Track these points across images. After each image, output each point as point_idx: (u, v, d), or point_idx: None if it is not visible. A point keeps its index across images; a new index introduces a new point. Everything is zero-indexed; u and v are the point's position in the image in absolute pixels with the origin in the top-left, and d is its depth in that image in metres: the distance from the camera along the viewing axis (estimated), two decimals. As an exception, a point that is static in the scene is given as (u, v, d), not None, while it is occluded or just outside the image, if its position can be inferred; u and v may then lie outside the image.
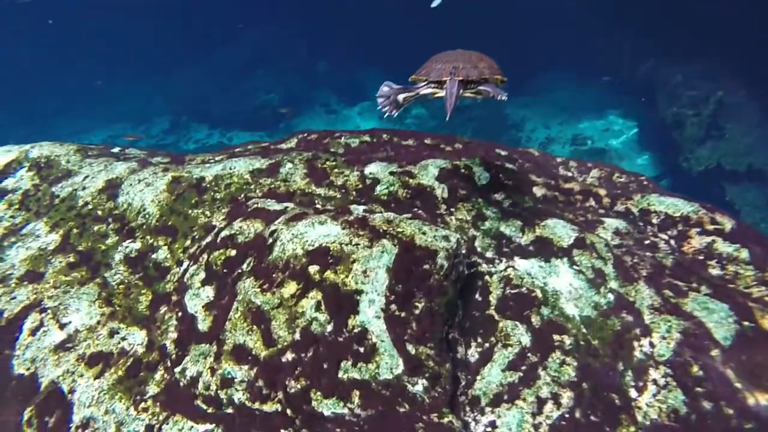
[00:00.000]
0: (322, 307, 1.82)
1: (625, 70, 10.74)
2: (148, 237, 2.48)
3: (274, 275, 1.93)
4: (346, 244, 1.92)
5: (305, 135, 3.15)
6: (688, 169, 8.74)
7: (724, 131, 8.54)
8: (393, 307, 1.82)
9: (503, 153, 2.99)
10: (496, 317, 2.04)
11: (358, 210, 2.14)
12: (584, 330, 2.01)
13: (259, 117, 13.22)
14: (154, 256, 2.41)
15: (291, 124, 13.33)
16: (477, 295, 2.11)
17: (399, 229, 1.97)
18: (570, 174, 3.05)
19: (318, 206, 2.42)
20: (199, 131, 13.80)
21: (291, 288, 1.87)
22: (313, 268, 1.89)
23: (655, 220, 2.61)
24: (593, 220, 2.59)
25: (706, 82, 8.90)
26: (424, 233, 1.96)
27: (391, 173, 2.51)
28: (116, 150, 3.90)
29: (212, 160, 2.95)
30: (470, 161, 2.61)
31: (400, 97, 2.47)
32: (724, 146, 8.50)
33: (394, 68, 14.48)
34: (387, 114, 2.42)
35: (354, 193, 2.48)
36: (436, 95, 2.39)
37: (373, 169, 2.57)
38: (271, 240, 2.06)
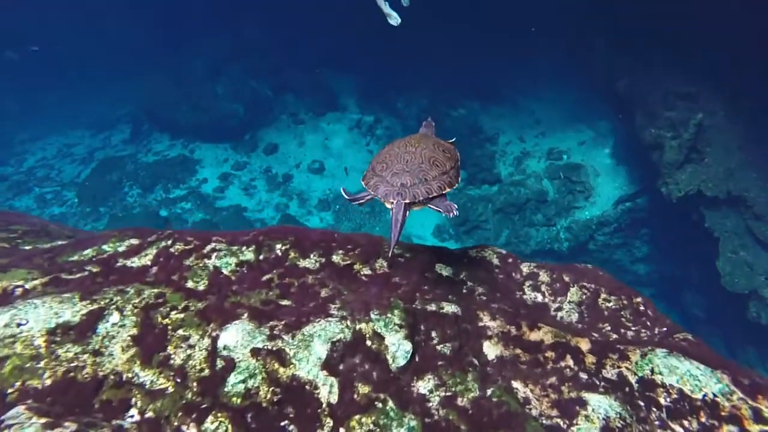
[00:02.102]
0: None
1: (603, 83, 9.78)
2: None
3: None
4: None
5: (169, 243, 2.09)
6: (667, 194, 7.86)
7: (704, 155, 7.65)
8: None
9: (445, 273, 2.00)
10: None
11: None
12: None
13: (223, 127, 12.01)
14: None
15: (257, 136, 12.16)
16: None
17: None
18: (539, 299, 2.07)
19: (132, 417, 1.41)
20: (161, 141, 12.54)
21: None
22: None
23: (663, 400, 1.66)
24: (571, 400, 1.63)
25: (685, 101, 7.98)
26: None
27: (254, 352, 1.50)
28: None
29: (13, 291, 1.89)
30: (384, 321, 1.61)
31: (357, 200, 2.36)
32: (703, 171, 7.61)
33: (368, 74, 13.24)
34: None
35: (195, 386, 1.47)
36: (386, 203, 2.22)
37: (229, 338, 1.55)
38: None
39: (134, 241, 2.33)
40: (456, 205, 2.27)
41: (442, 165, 2.32)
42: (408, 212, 2.19)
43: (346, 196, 2.33)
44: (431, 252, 2.12)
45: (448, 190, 2.26)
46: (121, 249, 2.24)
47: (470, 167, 10.86)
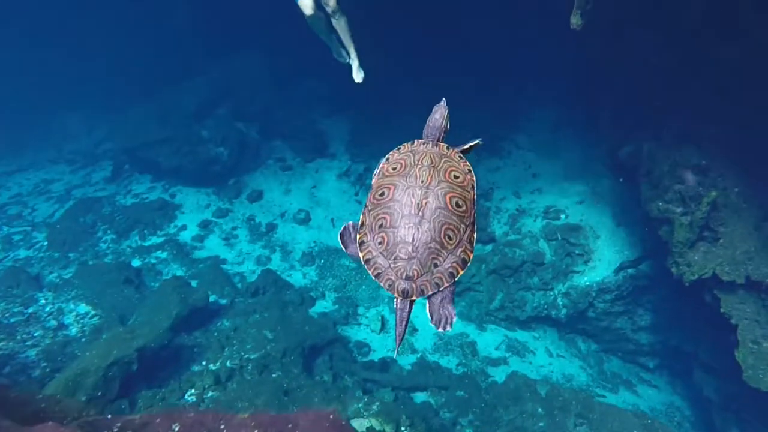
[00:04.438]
0: None
1: (604, 145, 8.99)
2: None
3: None
4: None
5: None
6: (678, 275, 6.96)
7: (719, 235, 6.78)
8: None
9: None
10: None
11: None
12: None
13: (207, 172, 11.13)
14: None
15: (241, 181, 11.27)
16: None
17: None
18: None
19: None
20: (142, 182, 11.64)
21: None
22: None
23: None
24: None
25: (696, 175, 7.15)
26: None
27: None
28: None
29: None
30: None
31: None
32: (719, 253, 6.73)
33: (360, 119, 12.38)
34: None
35: None
36: None
37: None
38: None
39: None
40: (454, 315, 1.98)
41: (456, 232, 1.99)
42: (413, 305, 2.00)
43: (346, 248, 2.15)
44: None
45: (461, 272, 1.99)
46: None
47: (463, 224, 9.98)
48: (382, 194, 2.15)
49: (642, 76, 7.93)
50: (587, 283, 9.24)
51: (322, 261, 10.04)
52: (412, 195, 2.04)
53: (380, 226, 2.05)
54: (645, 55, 7.70)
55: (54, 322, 8.11)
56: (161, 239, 10.27)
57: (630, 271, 9.11)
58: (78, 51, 13.34)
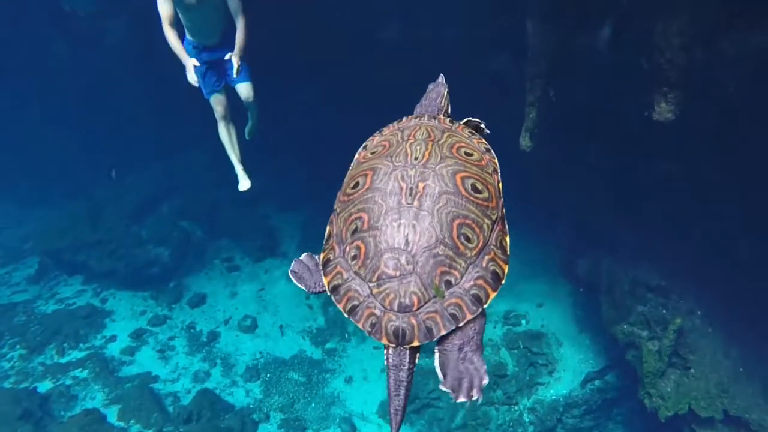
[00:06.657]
0: None
1: (561, 255, 8.53)
2: None
3: None
4: None
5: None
6: (652, 409, 6.19)
7: (689, 364, 6.14)
8: None
9: None
10: None
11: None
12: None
13: (145, 274, 9.80)
14: None
15: (182, 284, 9.99)
16: None
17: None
18: None
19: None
20: (71, 284, 10.13)
21: None
22: None
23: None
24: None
25: (656, 295, 6.64)
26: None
27: None
28: None
29: None
30: None
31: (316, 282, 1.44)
32: (692, 386, 6.06)
33: (311, 214, 11.38)
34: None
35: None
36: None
37: None
38: None
39: None
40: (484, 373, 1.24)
41: (476, 230, 1.22)
42: (417, 358, 1.24)
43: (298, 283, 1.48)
44: None
45: (492, 296, 1.25)
46: None
47: (422, 332, 9.02)
48: (356, 185, 1.39)
49: (592, 187, 7.63)
50: (553, 397, 8.34)
51: (268, 375, 8.71)
52: (401, 178, 1.28)
53: (354, 231, 1.30)
54: (590, 167, 7.44)
55: None
56: (83, 353, 8.70)
57: (597, 383, 8.32)
58: (13, 140, 12.12)
